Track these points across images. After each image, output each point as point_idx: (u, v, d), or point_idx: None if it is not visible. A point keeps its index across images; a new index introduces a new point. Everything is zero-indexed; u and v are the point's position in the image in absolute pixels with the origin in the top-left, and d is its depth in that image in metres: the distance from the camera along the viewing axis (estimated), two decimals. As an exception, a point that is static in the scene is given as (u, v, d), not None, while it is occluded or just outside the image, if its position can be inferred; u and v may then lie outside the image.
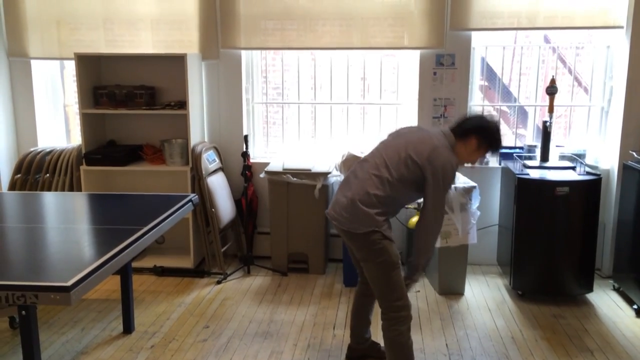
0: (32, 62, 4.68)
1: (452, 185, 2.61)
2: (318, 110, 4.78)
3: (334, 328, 3.52)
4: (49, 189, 4.45)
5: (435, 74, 4.36)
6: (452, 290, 4.03)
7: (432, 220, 2.64)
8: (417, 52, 4.37)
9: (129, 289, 3.45)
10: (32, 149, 4.59)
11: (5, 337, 3.38)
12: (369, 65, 4.64)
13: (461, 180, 4.08)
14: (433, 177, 2.57)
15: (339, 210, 2.69)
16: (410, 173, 2.60)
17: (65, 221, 3.24)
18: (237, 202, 4.63)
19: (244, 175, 4.39)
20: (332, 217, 2.73)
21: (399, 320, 2.67)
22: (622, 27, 4.09)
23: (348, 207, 2.66)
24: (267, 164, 4.48)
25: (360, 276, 3.02)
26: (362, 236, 2.63)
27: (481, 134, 2.68)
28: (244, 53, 4.56)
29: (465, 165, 2.79)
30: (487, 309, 3.79)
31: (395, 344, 2.69)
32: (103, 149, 4.42)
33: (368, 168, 2.70)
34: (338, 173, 4.29)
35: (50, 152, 4.55)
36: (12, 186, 4.47)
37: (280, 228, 4.37)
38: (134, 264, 4.28)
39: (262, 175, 4.34)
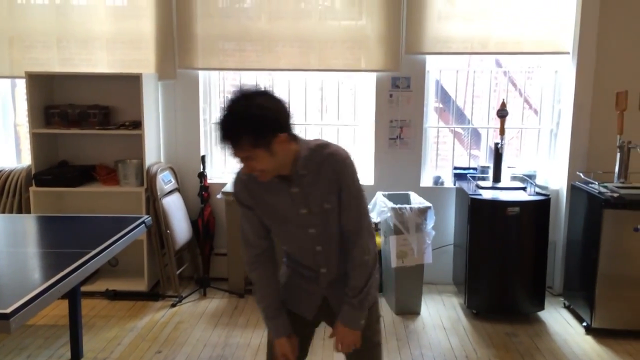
0: (-18, 80, 4.56)
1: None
2: (276, 131, 4.77)
3: (290, 350, 3.48)
4: (-3, 211, 4.30)
5: (391, 96, 4.43)
6: (408, 310, 4.05)
7: None
8: (374, 75, 4.44)
9: (77, 313, 3.35)
10: (-21, 169, 4.44)
11: (-55, 366, 3.23)
12: (326, 86, 4.69)
13: (417, 201, 4.15)
14: None
15: None
16: None
17: (12, 244, 3.14)
18: (194, 224, 4.57)
19: (201, 196, 4.34)
20: None
21: None
22: (568, 53, 4.25)
23: None
24: (224, 184, 4.45)
25: None
26: None
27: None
28: (201, 73, 4.54)
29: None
30: (442, 328, 3.82)
31: None
32: (54, 170, 4.31)
33: None
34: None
35: (-2, 172, 4.41)
36: (-42, 208, 4.31)
37: (237, 249, 4.32)
38: (85, 288, 4.16)
39: (219, 196, 4.30)
